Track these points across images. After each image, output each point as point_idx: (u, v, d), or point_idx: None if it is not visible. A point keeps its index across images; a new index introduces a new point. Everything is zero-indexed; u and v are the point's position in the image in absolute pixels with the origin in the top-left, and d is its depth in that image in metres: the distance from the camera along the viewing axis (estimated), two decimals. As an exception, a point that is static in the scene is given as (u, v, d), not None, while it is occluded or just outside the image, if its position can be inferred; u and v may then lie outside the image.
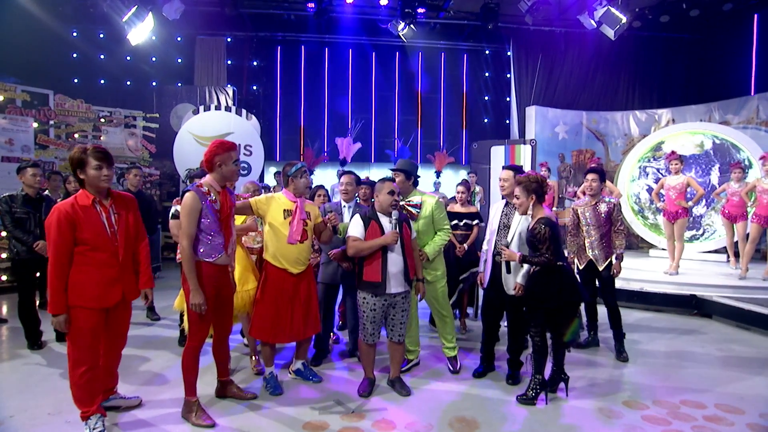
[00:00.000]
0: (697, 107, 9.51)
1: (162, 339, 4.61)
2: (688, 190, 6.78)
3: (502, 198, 3.77)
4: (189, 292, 2.86)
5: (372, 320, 3.33)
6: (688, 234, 8.29)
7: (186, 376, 2.96)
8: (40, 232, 4.36)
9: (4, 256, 6.45)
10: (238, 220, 3.71)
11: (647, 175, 8.81)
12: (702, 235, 8.39)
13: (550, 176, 8.23)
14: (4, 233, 6.22)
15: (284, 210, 3.35)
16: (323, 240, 3.63)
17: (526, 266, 3.47)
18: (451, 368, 3.88)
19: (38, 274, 4.58)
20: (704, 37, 10.11)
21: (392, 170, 3.82)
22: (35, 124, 7.08)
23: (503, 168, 3.69)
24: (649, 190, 8.42)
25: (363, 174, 10.32)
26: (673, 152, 6.81)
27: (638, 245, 9.39)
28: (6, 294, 6.20)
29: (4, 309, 5.65)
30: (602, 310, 4.42)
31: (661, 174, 8.33)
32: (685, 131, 8.63)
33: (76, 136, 7.63)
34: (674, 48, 10.33)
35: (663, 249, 7.58)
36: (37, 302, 5.50)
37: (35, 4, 8.06)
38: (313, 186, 4.62)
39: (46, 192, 5.20)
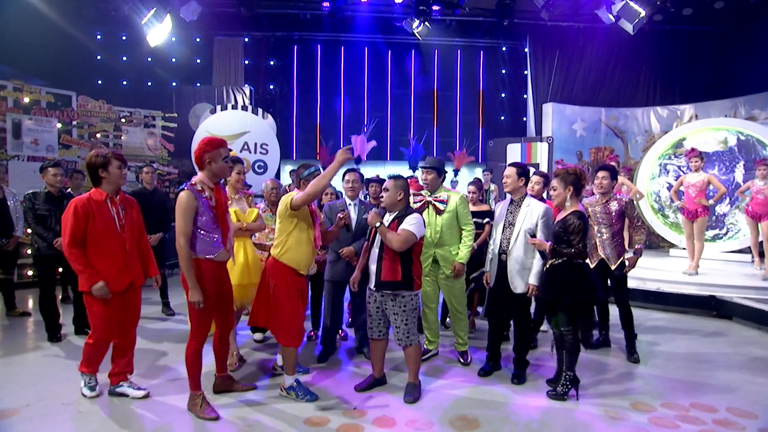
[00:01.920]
0: (722, 102, 9.20)
1: (176, 333, 4.72)
2: (711, 188, 6.59)
3: (506, 195, 3.76)
4: (188, 290, 2.90)
5: (369, 313, 3.39)
6: (710, 233, 8.07)
7: (190, 371, 3.03)
8: (60, 229, 4.53)
9: (29, 251, 6.70)
10: (248, 218, 3.77)
11: (668, 172, 8.59)
12: (725, 234, 8.13)
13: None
14: (29, 230, 6.48)
15: (309, 212, 3.32)
16: (328, 241, 3.63)
17: (537, 266, 3.44)
18: (462, 360, 3.95)
19: (60, 270, 4.76)
20: (730, 29, 9.77)
21: (423, 168, 3.93)
22: (59, 125, 7.32)
23: (507, 165, 3.69)
24: (670, 187, 8.21)
25: (377, 172, 10.35)
26: (693, 149, 6.63)
27: (658, 244, 9.17)
28: (32, 288, 6.43)
29: (30, 303, 5.87)
30: (614, 311, 4.34)
31: (682, 171, 8.11)
32: (708, 127, 8.37)
33: (98, 135, 7.86)
34: (698, 41, 10.01)
35: (683, 248, 7.38)
36: (59, 297, 5.74)
37: (60, 8, 8.31)
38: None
39: (69, 190, 5.38)
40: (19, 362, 3.93)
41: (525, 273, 3.49)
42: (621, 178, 6.96)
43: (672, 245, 8.44)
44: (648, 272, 6.54)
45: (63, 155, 7.25)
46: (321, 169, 3.42)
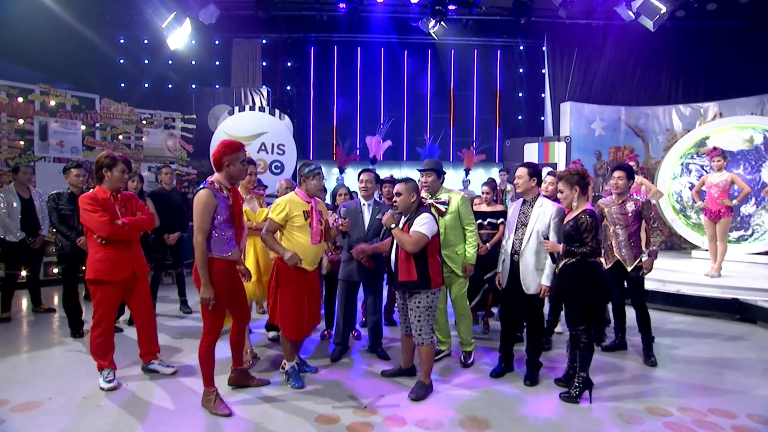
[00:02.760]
0: (748, 99, 8.95)
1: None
2: (735, 187, 6.42)
3: (518, 196, 3.73)
4: (200, 286, 2.98)
5: (398, 309, 3.51)
6: (735, 234, 7.86)
7: (204, 368, 3.09)
8: (82, 229, 4.67)
9: (54, 250, 6.92)
10: (258, 218, 3.83)
11: (690, 172, 8.39)
12: (751, 235, 7.91)
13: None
14: (54, 229, 6.70)
15: (303, 211, 3.42)
16: (330, 237, 3.72)
17: (549, 267, 3.42)
18: (463, 361, 3.95)
19: (83, 268, 4.90)
20: (756, 24, 9.47)
21: (422, 170, 3.95)
22: (83, 127, 7.54)
23: (518, 166, 3.67)
24: (692, 188, 8.02)
25: (393, 172, 10.37)
26: (715, 148, 6.46)
27: (681, 246, 8.97)
28: (57, 285, 6.63)
29: (55, 299, 6.06)
30: (631, 313, 4.27)
31: (705, 171, 7.91)
32: (733, 125, 8.15)
33: (120, 137, 8.06)
34: (723, 37, 9.72)
35: (706, 250, 7.21)
36: (83, 294, 5.91)
37: (85, 14, 8.56)
38: (340, 183, 4.72)
39: (92, 190, 5.54)
40: (43, 357, 4.07)
41: (537, 274, 3.46)
42: (639, 178, 6.83)
43: (694, 247, 8.25)
44: (668, 274, 6.40)
45: (87, 156, 7.46)
46: (321, 168, 3.54)
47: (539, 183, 3.65)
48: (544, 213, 3.48)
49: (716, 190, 6.32)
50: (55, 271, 6.99)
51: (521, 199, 3.68)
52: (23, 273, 5.56)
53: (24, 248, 5.28)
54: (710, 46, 9.81)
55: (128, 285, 3.52)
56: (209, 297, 2.95)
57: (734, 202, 6.34)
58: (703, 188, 6.55)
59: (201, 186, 3.00)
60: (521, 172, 3.60)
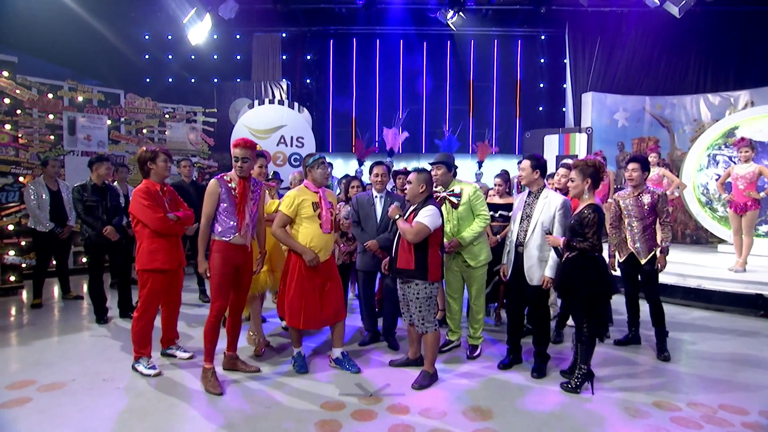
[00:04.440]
0: (782, 87, 8.58)
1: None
2: (764, 179, 6.18)
3: (522, 188, 3.74)
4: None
5: (400, 299, 3.55)
6: (764, 228, 7.58)
7: (206, 344, 3.31)
8: (107, 218, 4.88)
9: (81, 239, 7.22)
10: (269, 209, 3.92)
11: (717, 164, 8.11)
12: (780, 229, 7.61)
13: (606, 166, 7.82)
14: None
15: (312, 203, 3.51)
16: (338, 228, 3.86)
17: (553, 259, 3.41)
18: (468, 353, 3.98)
19: (107, 257, 5.12)
20: (792, 8, 9.04)
21: (433, 164, 3.96)
22: (109, 122, 7.80)
23: (523, 158, 3.67)
24: (719, 179, 7.76)
25: (412, 164, 10.35)
26: (742, 138, 6.24)
27: (707, 240, 8.70)
28: (85, 274, 6.91)
29: (84, 287, 6.33)
30: (645, 307, 4.20)
31: (733, 162, 7.64)
32: (764, 115, 7.82)
33: (144, 131, 8.31)
34: (755, 22, 9.28)
35: (731, 244, 6.99)
36: (109, 281, 6.17)
37: (111, 12, 8.85)
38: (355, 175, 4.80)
39: (115, 183, 5.76)
40: (70, 341, 4.29)
41: (540, 265, 3.47)
42: (661, 170, 6.67)
43: (721, 240, 7.98)
44: (689, 268, 6.25)
45: (112, 150, 7.74)
46: (325, 158, 3.65)
47: (543, 175, 3.64)
48: (548, 205, 3.48)
49: (743, 181, 6.11)
50: (84, 260, 7.29)
51: (527, 191, 3.67)
52: (53, 262, 5.83)
53: (53, 238, 5.53)
54: (741, 31, 9.40)
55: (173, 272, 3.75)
56: (205, 269, 3.29)
57: (762, 194, 6.12)
58: (729, 180, 6.34)
59: (212, 177, 3.33)
60: (525, 164, 3.62)
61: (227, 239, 3.30)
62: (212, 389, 3.22)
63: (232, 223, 3.30)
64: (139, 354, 3.55)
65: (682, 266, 6.25)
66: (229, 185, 3.30)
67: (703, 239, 8.85)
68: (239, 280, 3.44)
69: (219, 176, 3.34)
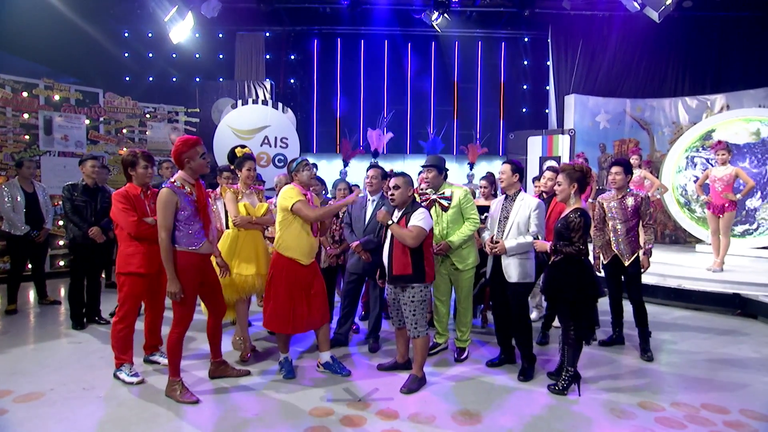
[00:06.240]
0: (756, 92, 8.81)
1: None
2: (740, 181, 6.35)
3: (501, 192, 3.84)
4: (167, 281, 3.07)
5: (389, 304, 3.55)
6: (740, 228, 7.80)
7: (171, 358, 3.18)
8: (95, 220, 4.74)
9: (61, 242, 7.02)
10: (258, 212, 3.87)
11: (695, 165, 8.33)
12: (756, 230, 7.85)
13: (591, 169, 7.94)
14: (60, 222, 6.78)
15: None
16: (324, 231, 3.84)
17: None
18: (456, 356, 3.99)
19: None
20: (766, 14, 9.29)
21: (423, 166, 3.98)
22: (87, 121, 7.60)
23: (503, 163, 3.80)
24: (696, 181, 7.95)
25: (396, 165, 10.35)
26: (719, 142, 6.41)
27: (685, 240, 8.91)
28: (63, 278, 6.73)
29: (61, 291, 6.16)
30: (628, 307, 4.27)
31: (711, 164, 7.83)
32: (739, 118, 8.06)
33: (124, 131, 8.12)
34: (731, 28, 9.55)
35: (709, 244, 7.17)
36: (103, 285, 5.99)
37: (89, 8, 8.61)
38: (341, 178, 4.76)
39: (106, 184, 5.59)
40: (47, 348, 4.15)
41: (518, 263, 3.55)
42: (643, 172, 6.79)
43: (699, 241, 8.19)
44: (669, 268, 6.38)
45: (91, 150, 7.53)
46: (308, 159, 3.62)
47: (521, 179, 3.75)
48: (524, 206, 3.59)
49: (720, 184, 6.26)
50: (61, 263, 7.10)
51: (504, 195, 3.77)
52: (28, 266, 5.64)
53: (28, 242, 5.35)
54: (718, 37, 9.65)
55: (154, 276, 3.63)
56: (176, 291, 3.03)
57: (738, 196, 6.29)
58: (707, 182, 6.49)
59: (162, 185, 3.11)
60: (505, 168, 3.71)
61: (195, 248, 3.13)
62: (185, 400, 3.10)
63: (197, 228, 3.14)
64: (121, 360, 3.46)
65: (662, 266, 6.38)
66: (184, 190, 3.11)
67: (681, 239, 9.06)
68: (209, 288, 3.36)
69: (168, 184, 3.10)
